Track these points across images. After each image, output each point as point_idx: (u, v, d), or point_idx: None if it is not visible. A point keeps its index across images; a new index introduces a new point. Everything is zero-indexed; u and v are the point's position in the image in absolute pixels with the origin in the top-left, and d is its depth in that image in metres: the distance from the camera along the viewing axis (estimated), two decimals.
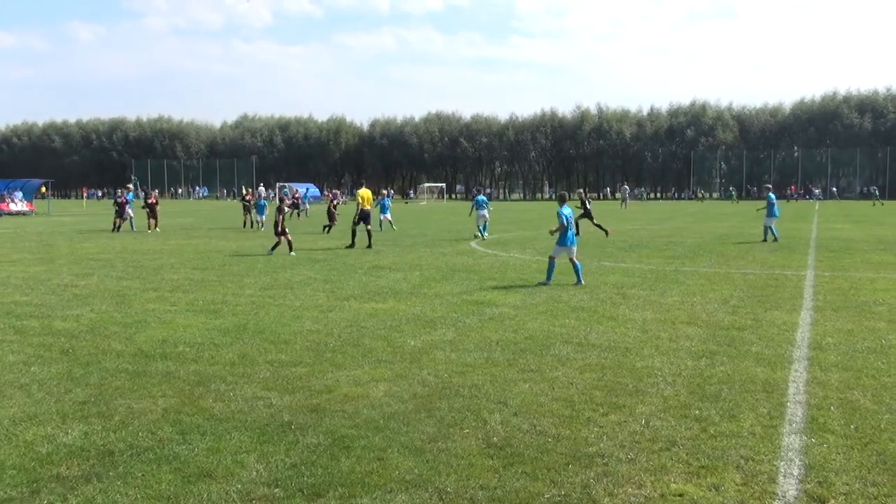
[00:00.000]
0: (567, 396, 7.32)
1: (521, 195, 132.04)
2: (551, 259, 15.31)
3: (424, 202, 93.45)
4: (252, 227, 34.69)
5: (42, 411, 6.88)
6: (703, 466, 5.55)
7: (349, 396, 7.31)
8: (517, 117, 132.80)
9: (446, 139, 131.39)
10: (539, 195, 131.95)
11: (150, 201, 33.91)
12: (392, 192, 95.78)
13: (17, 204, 56.56)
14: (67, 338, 10.08)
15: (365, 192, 25.66)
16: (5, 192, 57.34)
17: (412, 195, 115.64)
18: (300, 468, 5.52)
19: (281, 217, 22.38)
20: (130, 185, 37.62)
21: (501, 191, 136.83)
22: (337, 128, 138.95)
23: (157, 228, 33.23)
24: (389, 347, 9.51)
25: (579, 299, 13.28)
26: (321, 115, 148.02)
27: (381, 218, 32.93)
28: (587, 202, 30.51)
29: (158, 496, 5.06)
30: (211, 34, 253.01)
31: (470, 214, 32.13)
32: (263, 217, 33.73)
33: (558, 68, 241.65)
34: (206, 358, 8.94)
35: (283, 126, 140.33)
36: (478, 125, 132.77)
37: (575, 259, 15.22)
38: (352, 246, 24.17)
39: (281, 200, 24.24)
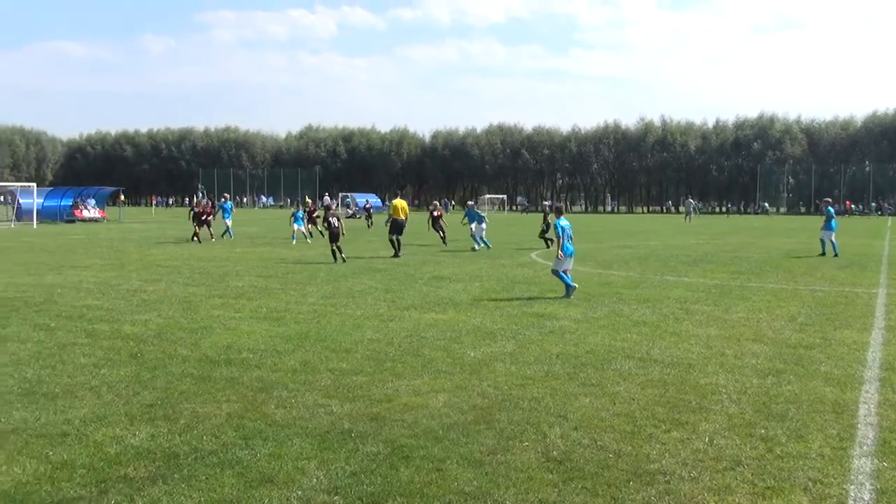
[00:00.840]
0: (628, 412, 7.22)
1: (583, 208, 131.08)
2: (555, 272, 15.16)
3: (485, 213, 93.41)
4: (308, 238, 32.99)
5: (111, 413, 7.06)
6: (768, 487, 5.41)
7: (409, 406, 7.34)
8: (579, 129, 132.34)
9: (508, 151, 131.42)
10: (601, 208, 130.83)
11: (197, 210, 33.58)
12: (449, 202, 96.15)
13: (90, 211, 58.33)
14: (136, 342, 10.34)
15: (400, 203, 25.88)
16: (79, 199, 59.16)
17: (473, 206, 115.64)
18: (360, 476, 5.55)
19: (336, 223, 22.58)
20: (227, 195, 38.02)
21: (563, 203, 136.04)
22: (399, 139, 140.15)
23: (211, 238, 32.23)
24: (449, 358, 9.52)
25: (641, 314, 13.11)
26: (384, 126, 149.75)
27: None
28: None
29: (221, 500, 5.15)
30: (277, 46, 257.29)
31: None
32: (300, 228, 32.14)
33: (620, 80, 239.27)
34: (269, 365, 9.08)
35: (347, 137, 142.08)
36: (539, 137, 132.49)
37: (569, 271, 15.07)
38: (397, 255, 24.31)
39: (327, 209, 24.30)
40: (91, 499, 5.14)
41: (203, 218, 32.76)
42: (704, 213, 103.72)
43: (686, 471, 5.70)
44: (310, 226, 33.99)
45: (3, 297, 14.37)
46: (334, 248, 22.39)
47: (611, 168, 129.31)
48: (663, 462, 5.88)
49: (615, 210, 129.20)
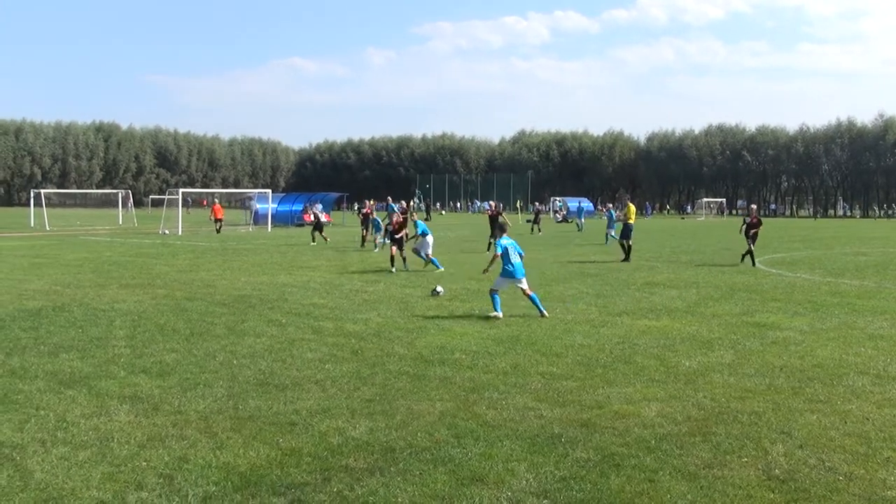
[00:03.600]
0: (862, 432, 6.67)
1: (810, 211, 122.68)
2: (492, 292, 13.18)
3: (702, 218, 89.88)
4: (363, 245, 31.03)
5: (334, 405, 7.49)
6: None
7: (620, 414, 7.20)
8: (808, 128, 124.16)
9: (727, 152, 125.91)
10: (831, 212, 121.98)
11: (365, 211, 33.07)
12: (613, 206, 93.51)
13: (319, 215, 62.13)
14: (357, 339, 10.89)
15: (633, 208, 25.98)
16: (307, 204, 63.22)
17: (689, 210, 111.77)
18: (569, 482, 5.52)
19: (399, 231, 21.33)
20: (393, 199, 38.96)
21: (788, 207, 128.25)
22: (612, 142, 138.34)
23: (364, 244, 30.83)
24: (663, 367, 9.25)
25: (878, 326, 12.08)
26: (596, 130, 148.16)
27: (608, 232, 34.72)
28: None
29: (434, 495, 5.31)
30: (491, 53, 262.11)
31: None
32: (377, 235, 29.53)
33: (855, 75, 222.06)
34: (481, 366, 9.24)
35: (559, 141, 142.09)
36: (763, 137, 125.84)
37: (528, 292, 13.20)
38: (627, 259, 24.23)
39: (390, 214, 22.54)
40: (316, 485, 5.47)
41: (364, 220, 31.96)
42: None
43: None
44: (364, 232, 31.84)
45: (242, 294, 15.65)
46: (622, 242, 22.69)
47: (843, 169, 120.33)
48: None
49: (847, 214, 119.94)
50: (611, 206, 43.45)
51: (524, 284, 13.24)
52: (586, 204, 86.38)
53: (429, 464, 5.89)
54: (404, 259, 21.37)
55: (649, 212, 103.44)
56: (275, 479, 5.56)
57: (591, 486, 5.45)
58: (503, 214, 30.32)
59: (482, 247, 30.90)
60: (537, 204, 57.59)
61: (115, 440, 6.38)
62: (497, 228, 14.04)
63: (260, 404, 7.50)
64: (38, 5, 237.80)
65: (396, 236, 21.49)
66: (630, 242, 24.95)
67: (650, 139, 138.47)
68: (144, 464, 5.84)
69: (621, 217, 27.24)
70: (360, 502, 5.20)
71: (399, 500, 5.23)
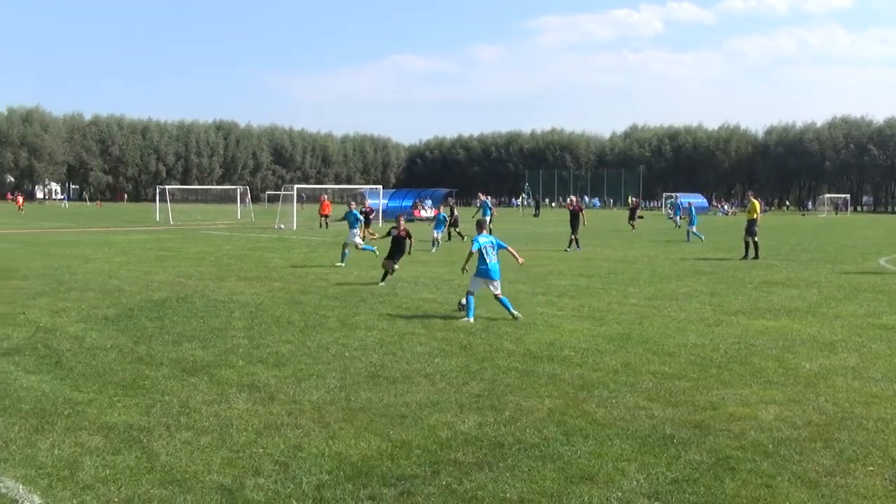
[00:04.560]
0: None
1: None
2: (468, 294, 12.44)
3: (824, 214, 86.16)
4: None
5: (443, 399, 7.55)
6: None
7: (735, 416, 6.99)
8: None
9: (852, 146, 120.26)
10: None
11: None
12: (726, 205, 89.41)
13: (427, 211, 62.82)
14: (466, 334, 10.95)
15: (755, 203, 25.12)
16: (418, 200, 64.04)
17: (810, 207, 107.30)
18: (681, 484, 5.40)
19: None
20: (495, 195, 38.48)
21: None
22: (728, 136, 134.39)
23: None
24: (781, 368, 8.92)
25: None
26: (711, 124, 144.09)
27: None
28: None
29: (542, 492, 5.28)
30: (602, 46, 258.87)
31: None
32: (438, 234, 28.14)
33: None
34: (590, 363, 9.14)
35: (672, 135, 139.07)
36: (892, 130, 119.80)
37: (499, 295, 12.45)
38: (746, 257, 23.56)
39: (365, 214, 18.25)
40: (425, 478, 5.53)
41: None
42: None
43: None
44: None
45: (354, 289, 15.98)
46: (386, 264, 17.01)
47: None
48: None
49: None
50: (676, 196, 41.91)
51: (496, 287, 12.54)
52: (700, 201, 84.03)
53: (537, 460, 5.87)
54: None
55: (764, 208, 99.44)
56: (385, 471, 5.66)
57: (704, 489, 5.31)
58: (583, 211, 29.94)
59: (590, 242, 30.56)
60: (633, 199, 53.38)
61: (234, 427, 6.63)
62: (476, 226, 13.58)
63: (371, 396, 7.65)
64: (162, 11, 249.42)
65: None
66: (755, 240, 24.01)
67: (768, 133, 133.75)
68: (261, 450, 6.05)
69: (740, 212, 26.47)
70: (468, 496, 5.22)
71: (508, 495, 5.23)
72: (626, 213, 44.91)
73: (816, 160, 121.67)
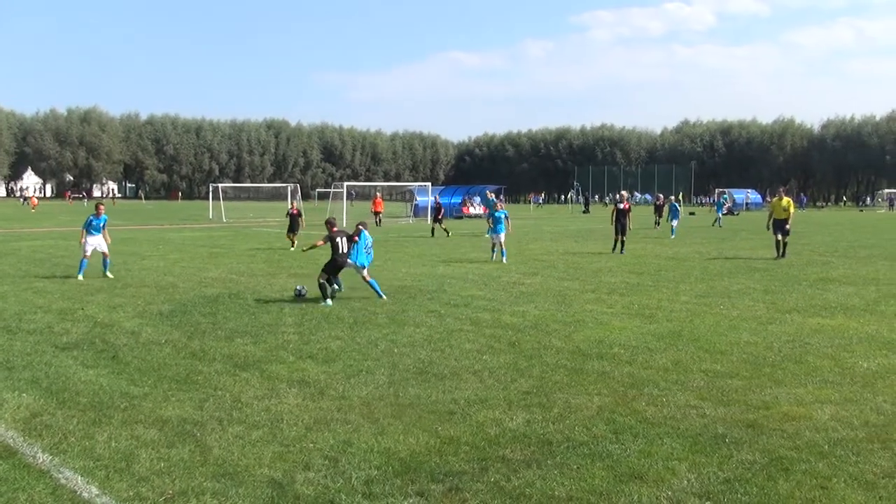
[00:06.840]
0: None
1: None
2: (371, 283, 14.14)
3: (883, 210, 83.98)
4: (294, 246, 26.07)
5: (491, 396, 7.55)
6: None
7: (789, 416, 6.86)
8: None
9: None
10: None
11: (292, 212, 28.30)
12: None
13: (476, 208, 62.77)
14: (514, 331, 10.92)
15: (778, 201, 23.66)
16: (467, 197, 64.01)
17: (868, 202, 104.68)
18: (733, 484, 5.32)
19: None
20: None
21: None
22: (783, 130, 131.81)
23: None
24: (837, 367, 8.73)
25: None
26: (765, 118, 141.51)
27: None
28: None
29: (591, 490, 5.25)
30: (653, 41, 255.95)
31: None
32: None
33: None
34: (640, 361, 9.05)
35: (725, 130, 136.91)
36: None
37: (368, 278, 14.17)
38: (779, 256, 22.35)
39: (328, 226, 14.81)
40: (473, 474, 5.54)
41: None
42: None
43: None
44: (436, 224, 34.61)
45: (403, 285, 16.04)
46: (323, 280, 13.91)
47: None
48: None
49: None
50: (672, 197, 41.02)
51: (363, 272, 14.15)
52: (755, 196, 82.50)
53: (586, 458, 5.83)
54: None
55: (804, 202, 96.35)
56: (434, 466, 5.68)
57: (757, 489, 5.23)
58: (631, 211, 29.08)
59: (634, 237, 30.25)
60: (661, 197, 49.33)
61: (285, 421, 6.71)
62: (357, 223, 14.76)
63: (419, 392, 7.68)
64: (217, 13, 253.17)
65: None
66: (784, 239, 22.62)
67: (825, 127, 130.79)
68: (311, 445, 6.11)
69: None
70: (516, 493, 5.22)
71: (556, 493, 5.21)
72: (657, 209, 44.00)
73: (875, 154, 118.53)
